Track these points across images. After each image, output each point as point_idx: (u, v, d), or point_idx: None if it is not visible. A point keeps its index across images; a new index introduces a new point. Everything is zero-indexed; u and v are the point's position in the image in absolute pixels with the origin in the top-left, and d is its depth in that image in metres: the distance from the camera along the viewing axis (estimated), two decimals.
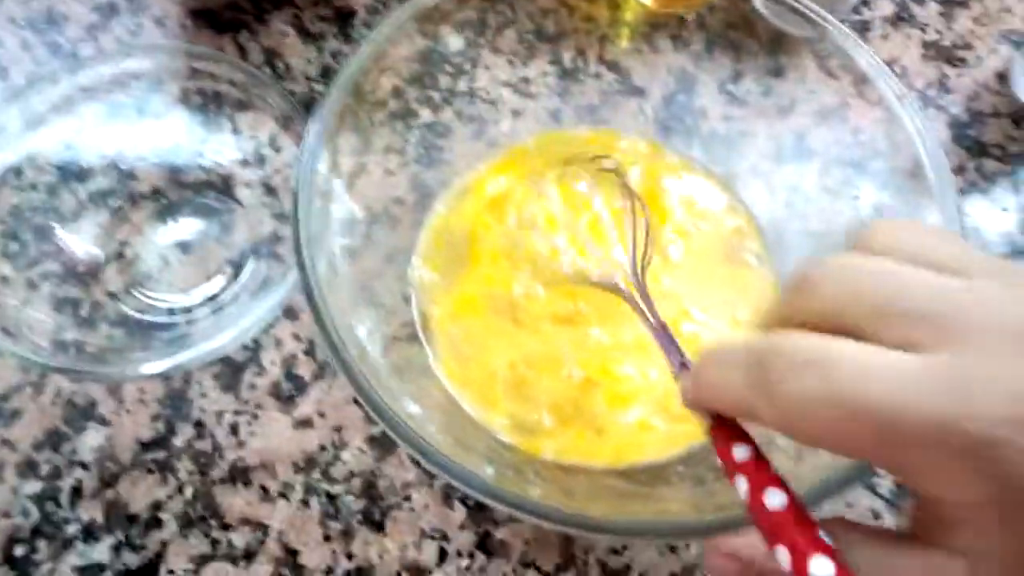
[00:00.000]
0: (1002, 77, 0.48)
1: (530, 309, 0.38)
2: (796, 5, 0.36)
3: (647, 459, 0.35)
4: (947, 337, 0.17)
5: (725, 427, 0.21)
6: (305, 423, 0.37)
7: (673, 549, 0.35)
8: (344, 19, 0.47)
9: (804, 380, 0.18)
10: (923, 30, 0.50)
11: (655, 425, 0.35)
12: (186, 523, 0.35)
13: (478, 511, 0.35)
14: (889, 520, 0.36)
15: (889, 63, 0.49)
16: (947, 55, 0.49)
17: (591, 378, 0.36)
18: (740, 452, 0.21)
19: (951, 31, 0.50)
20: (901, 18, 0.50)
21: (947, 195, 0.32)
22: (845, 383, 0.17)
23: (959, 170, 0.46)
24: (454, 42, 0.41)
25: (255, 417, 0.37)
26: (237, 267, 0.40)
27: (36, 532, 0.34)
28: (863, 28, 0.50)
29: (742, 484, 0.20)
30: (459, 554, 0.35)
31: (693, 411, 0.23)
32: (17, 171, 0.39)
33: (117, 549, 0.34)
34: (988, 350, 0.17)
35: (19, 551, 0.34)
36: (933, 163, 0.33)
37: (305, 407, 0.37)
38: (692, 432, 0.35)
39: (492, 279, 0.39)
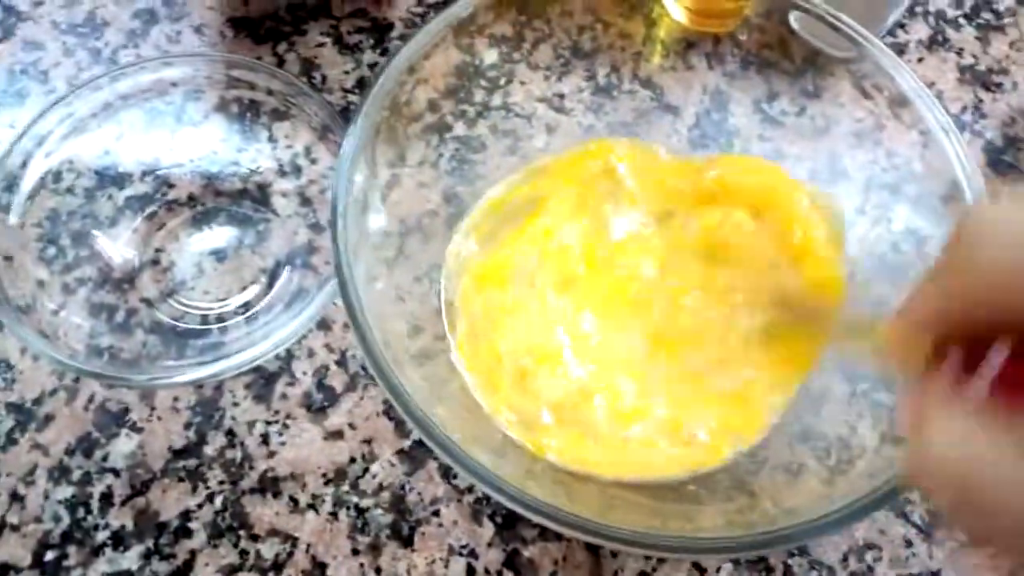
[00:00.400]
0: None
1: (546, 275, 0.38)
2: (836, 23, 0.36)
3: (650, 476, 0.34)
4: None
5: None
6: (336, 434, 0.37)
7: (703, 572, 0.35)
8: (381, 31, 0.47)
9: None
10: (959, 54, 0.50)
11: (658, 443, 0.35)
12: (216, 533, 0.35)
13: (507, 528, 0.35)
14: (922, 549, 0.35)
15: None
16: (983, 80, 0.49)
17: (590, 384, 0.35)
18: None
19: (987, 56, 0.50)
20: (936, 42, 0.50)
21: None
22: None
23: (994, 196, 0.45)
24: (489, 56, 0.41)
25: (286, 427, 0.37)
26: (271, 276, 0.40)
27: (66, 538, 0.35)
28: (898, 51, 0.49)
29: None
30: (487, 572, 0.34)
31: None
32: (56, 175, 0.39)
33: (147, 557, 0.34)
34: None
35: (49, 556, 0.34)
36: (972, 188, 0.33)
37: (336, 418, 0.37)
38: (699, 457, 0.35)
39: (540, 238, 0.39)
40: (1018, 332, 0.17)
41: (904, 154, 0.37)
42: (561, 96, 0.43)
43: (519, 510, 0.26)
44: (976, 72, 0.49)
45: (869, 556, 0.35)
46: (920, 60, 0.49)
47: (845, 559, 0.35)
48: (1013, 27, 0.51)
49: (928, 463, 0.17)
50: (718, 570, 0.35)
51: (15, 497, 0.35)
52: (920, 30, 0.50)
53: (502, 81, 0.42)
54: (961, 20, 0.51)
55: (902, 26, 0.50)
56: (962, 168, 0.32)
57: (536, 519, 0.26)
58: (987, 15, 0.51)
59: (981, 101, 0.48)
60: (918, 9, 0.51)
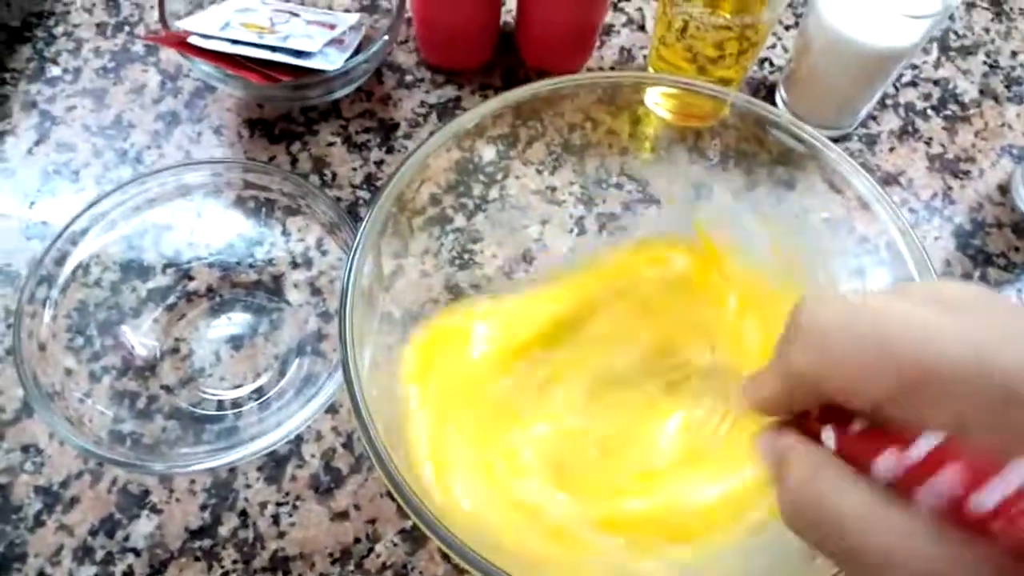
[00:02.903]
0: (1003, 189, 0.51)
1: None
2: (799, 134, 0.39)
3: None
4: (968, 312, 0.18)
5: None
6: (342, 515, 0.39)
7: None
8: (387, 130, 0.51)
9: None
10: (928, 144, 0.53)
11: None
12: None
13: None
14: None
15: (896, 175, 0.52)
16: (951, 168, 0.52)
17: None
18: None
19: (954, 144, 0.53)
20: (907, 132, 0.53)
21: None
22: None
23: (965, 278, 0.48)
24: (488, 154, 0.44)
25: (295, 508, 0.39)
26: (284, 363, 0.43)
27: None
28: (870, 141, 0.53)
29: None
30: None
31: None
32: (85, 269, 0.43)
33: None
34: (1015, 314, 0.18)
35: None
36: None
37: (342, 499, 0.40)
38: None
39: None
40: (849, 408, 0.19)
41: (874, 241, 0.40)
42: (553, 189, 0.46)
43: None
44: (944, 160, 0.52)
45: None
46: (891, 149, 0.53)
47: None
48: (978, 117, 0.54)
49: (789, 494, 0.19)
50: None
51: None
52: (891, 121, 0.54)
53: (499, 176, 0.45)
54: (929, 111, 0.54)
55: (874, 118, 0.54)
56: (916, 269, 0.35)
57: None
58: (953, 106, 0.55)
59: (950, 188, 0.51)
60: (888, 101, 0.55)
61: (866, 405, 0.18)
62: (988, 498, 0.16)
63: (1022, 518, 0.15)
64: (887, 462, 0.18)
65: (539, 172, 0.46)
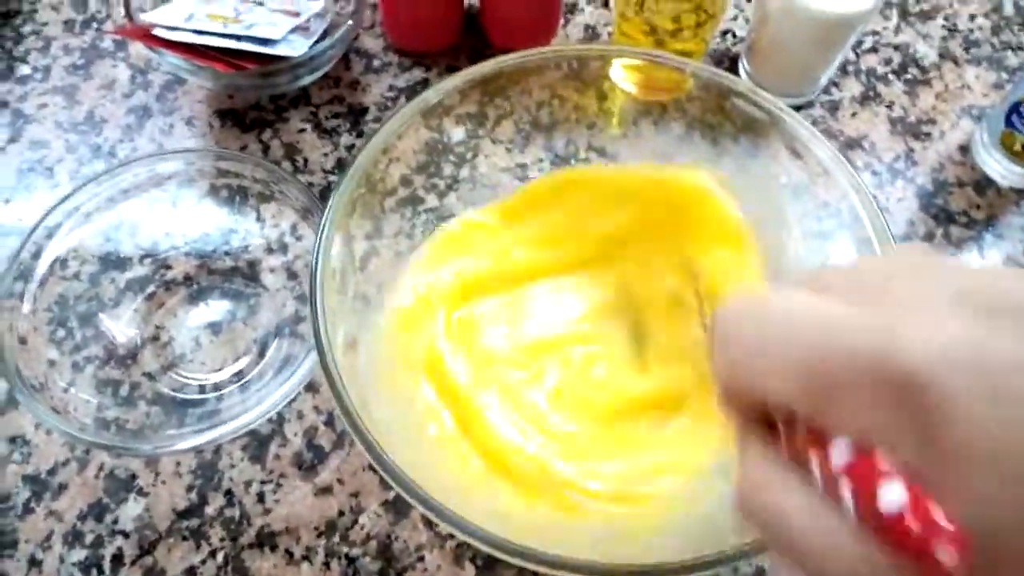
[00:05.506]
0: (964, 149, 0.52)
1: None
2: (758, 102, 0.40)
3: None
4: (871, 299, 0.17)
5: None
6: (325, 490, 0.40)
7: None
8: (356, 115, 0.52)
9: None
10: (890, 107, 0.54)
11: None
12: None
13: (487, 570, 0.38)
14: None
15: (859, 139, 0.53)
16: (913, 130, 0.53)
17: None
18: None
19: (915, 108, 0.54)
20: (868, 97, 0.54)
21: None
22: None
23: (928, 237, 0.49)
24: (457, 133, 0.45)
25: (279, 485, 0.40)
26: (262, 346, 0.44)
27: None
28: (833, 108, 0.54)
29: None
30: None
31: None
32: (63, 263, 0.43)
33: None
34: (914, 305, 0.16)
35: None
36: (880, 241, 0.36)
37: (325, 475, 0.41)
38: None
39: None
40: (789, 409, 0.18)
41: (835, 205, 0.41)
42: (523, 166, 0.47)
43: (491, 551, 0.29)
44: (906, 123, 0.53)
45: None
46: (854, 115, 0.54)
47: None
48: (938, 80, 0.55)
49: (741, 492, 0.19)
50: None
51: (33, 562, 0.38)
52: (853, 87, 0.55)
53: (469, 155, 0.46)
54: (890, 76, 0.55)
55: (836, 84, 0.55)
56: (874, 232, 0.36)
57: (507, 558, 0.29)
58: (914, 70, 0.56)
59: (912, 150, 0.52)
60: (850, 68, 0.56)
61: (785, 408, 0.18)
62: (882, 506, 0.15)
63: (908, 537, 0.15)
64: (814, 465, 0.17)
65: (508, 150, 0.46)
